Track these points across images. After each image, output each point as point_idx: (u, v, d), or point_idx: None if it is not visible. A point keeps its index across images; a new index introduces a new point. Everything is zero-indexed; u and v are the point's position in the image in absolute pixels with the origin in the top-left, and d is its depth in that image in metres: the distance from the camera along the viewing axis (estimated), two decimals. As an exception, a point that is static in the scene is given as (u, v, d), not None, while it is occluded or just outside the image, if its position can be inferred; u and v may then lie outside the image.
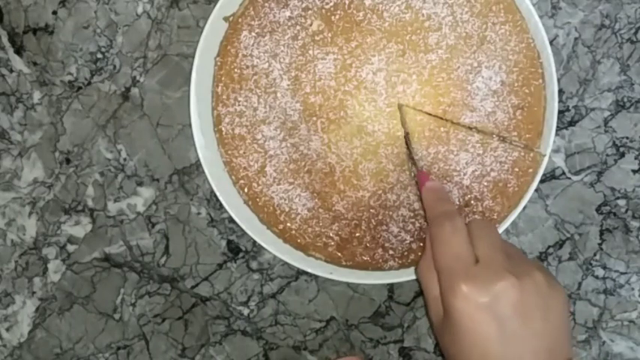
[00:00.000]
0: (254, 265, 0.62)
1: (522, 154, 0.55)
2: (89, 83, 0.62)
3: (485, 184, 0.55)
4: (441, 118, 0.55)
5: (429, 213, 0.51)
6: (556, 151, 0.60)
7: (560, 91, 0.59)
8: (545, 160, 0.55)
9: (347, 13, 0.55)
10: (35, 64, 0.62)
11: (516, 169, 0.55)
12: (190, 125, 0.56)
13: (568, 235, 0.61)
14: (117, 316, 0.63)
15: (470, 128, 0.55)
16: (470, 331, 0.44)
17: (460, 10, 0.55)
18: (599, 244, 0.61)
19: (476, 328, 0.44)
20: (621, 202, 0.61)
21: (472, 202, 0.55)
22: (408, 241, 0.56)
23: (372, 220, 0.56)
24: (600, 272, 0.61)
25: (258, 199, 0.57)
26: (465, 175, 0.55)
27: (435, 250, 0.48)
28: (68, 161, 0.63)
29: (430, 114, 0.55)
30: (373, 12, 0.55)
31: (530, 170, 0.55)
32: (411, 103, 0.56)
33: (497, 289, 0.44)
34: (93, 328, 0.64)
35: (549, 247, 0.61)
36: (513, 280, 0.44)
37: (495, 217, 0.55)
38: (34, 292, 0.64)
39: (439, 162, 0.55)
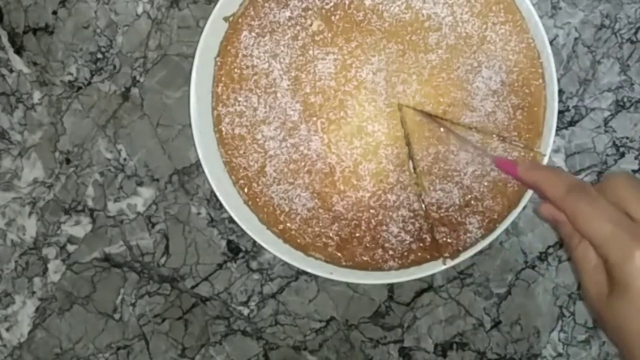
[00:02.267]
0: (254, 265, 0.62)
1: (522, 154, 0.55)
2: (89, 83, 0.62)
3: (486, 184, 0.55)
4: (441, 118, 0.55)
5: (551, 196, 0.47)
6: (556, 151, 0.60)
7: (560, 91, 0.59)
8: (545, 159, 0.55)
9: (347, 13, 0.55)
10: (35, 64, 0.62)
11: None
12: (190, 125, 0.56)
13: (568, 235, 0.61)
14: (117, 316, 0.64)
15: (470, 128, 0.55)
16: None
17: (460, 10, 0.55)
18: (599, 244, 0.61)
19: None
20: (621, 202, 0.61)
21: (472, 202, 0.55)
22: (407, 242, 0.56)
23: (372, 221, 0.56)
24: (600, 272, 0.61)
25: (258, 199, 0.57)
26: (465, 175, 0.55)
27: (585, 226, 0.44)
28: (68, 161, 0.63)
29: (430, 114, 0.55)
30: (373, 12, 0.55)
31: None
32: (411, 103, 0.56)
33: None
34: (93, 328, 0.64)
35: (549, 247, 0.61)
36: None
37: (495, 217, 0.55)
38: (34, 292, 0.64)
39: (439, 162, 0.55)
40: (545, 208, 0.48)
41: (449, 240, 0.56)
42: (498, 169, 0.54)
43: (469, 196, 0.55)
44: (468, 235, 0.55)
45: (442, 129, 0.55)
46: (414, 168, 0.56)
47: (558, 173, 0.48)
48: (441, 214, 0.55)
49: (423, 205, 0.56)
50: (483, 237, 0.56)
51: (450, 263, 0.56)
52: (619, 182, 0.45)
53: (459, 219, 0.55)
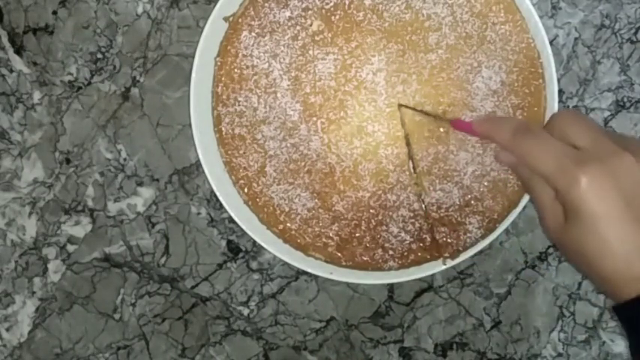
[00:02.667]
0: (254, 265, 0.62)
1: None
2: (89, 83, 0.62)
3: (486, 183, 0.55)
4: (441, 118, 0.55)
5: (500, 141, 0.49)
6: (556, 151, 0.60)
7: (560, 91, 0.59)
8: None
9: (347, 13, 0.55)
10: (35, 64, 0.62)
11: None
12: (190, 125, 0.56)
13: (568, 235, 0.61)
14: (117, 316, 0.64)
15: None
16: (601, 216, 0.43)
17: (460, 10, 0.55)
18: (599, 244, 0.61)
19: (606, 211, 0.43)
20: (621, 202, 0.61)
21: (472, 202, 0.55)
22: (407, 242, 0.56)
23: (372, 221, 0.56)
24: (600, 272, 0.61)
25: (258, 199, 0.57)
26: (465, 174, 0.55)
27: (533, 162, 0.46)
28: (68, 161, 0.63)
29: (430, 114, 0.55)
30: (373, 12, 0.55)
31: None
32: (411, 103, 0.56)
33: (617, 166, 0.43)
34: (93, 328, 0.64)
35: (549, 247, 0.61)
36: (630, 158, 0.43)
37: (495, 216, 0.55)
38: (34, 292, 0.64)
39: (439, 162, 0.55)
40: (503, 154, 0.51)
41: (449, 240, 0.56)
42: (457, 131, 0.54)
43: (469, 196, 0.55)
44: (468, 235, 0.55)
45: (442, 129, 0.55)
46: (414, 168, 0.56)
47: (504, 119, 0.51)
48: (441, 214, 0.55)
49: (423, 205, 0.56)
50: (483, 237, 0.56)
51: (450, 263, 0.56)
52: (563, 118, 0.48)
53: (459, 219, 0.55)
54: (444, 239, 0.56)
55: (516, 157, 0.48)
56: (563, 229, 0.46)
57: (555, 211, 0.47)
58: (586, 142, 0.45)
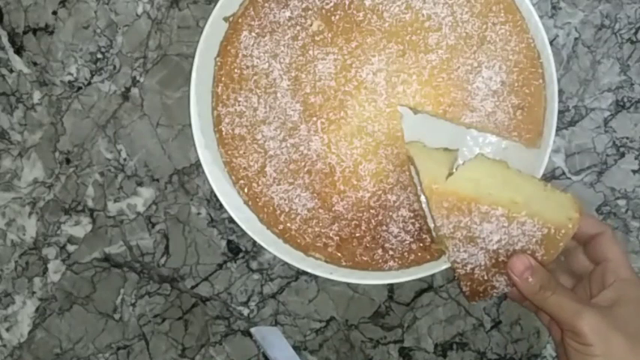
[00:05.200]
0: (254, 265, 0.62)
1: (553, 231, 0.50)
2: (89, 83, 0.62)
3: (511, 250, 0.51)
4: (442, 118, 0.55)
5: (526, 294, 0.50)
6: (556, 151, 0.60)
7: (560, 91, 0.59)
8: (545, 159, 0.54)
9: (347, 13, 0.55)
10: (35, 64, 0.62)
11: (545, 242, 0.50)
12: (190, 125, 0.56)
13: (568, 235, 0.61)
14: (117, 316, 0.64)
15: (492, 202, 0.50)
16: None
17: (460, 10, 0.55)
18: (599, 244, 0.61)
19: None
20: (621, 202, 0.61)
21: (501, 265, 0.51)
22: (407, 242, 0.56)
23: (372, 221, 0.56)
24: (600, 272, 0.61)
25: (258, 200, 0.57)
26: (490, 242, 0.51)
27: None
28: (68, 161, 0.63)
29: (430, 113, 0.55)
30: (373, 12, 0.55)
31: (561, 244, 0.50)
32: (411, 104, 0.56)
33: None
34: (93, 328, 0.64)
35: (549, 247, 0.61)
36: None
37: None
38: (34, 292, 0.64)
39: (461, 229, 0.51)
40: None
41: (476, 292, 0.53)
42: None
43: (495, 260, 0.51)
44: (495, 290, 0.52)
45: (463, 202, 0.50)
46: (435, 232, 0.53)
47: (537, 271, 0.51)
48: (467, 271, 0.52)
49: (448, 261, 0.53)
50: (510, 293, 0.53)
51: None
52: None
53: (486, 277, 0.52)
54: (470, 291, 0.53)
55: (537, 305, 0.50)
56: None
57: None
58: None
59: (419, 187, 0.55)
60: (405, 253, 0.56)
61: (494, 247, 0.51)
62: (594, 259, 0.52)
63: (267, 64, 0.56)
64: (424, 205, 0.55)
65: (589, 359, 0.46)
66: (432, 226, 0.54)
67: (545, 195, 0.50)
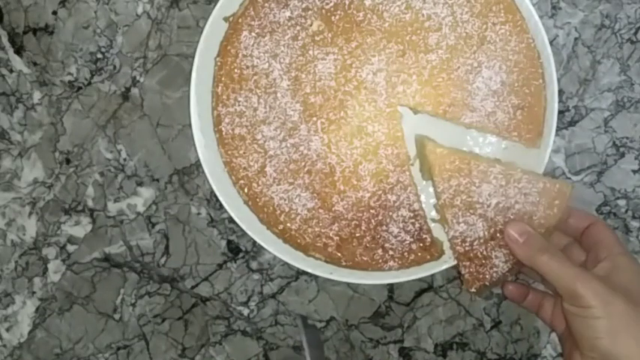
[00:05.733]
0: (254, 265, 0.62)
1: (548, 185, 0.52)
2: (89, 83, 0.62)
3: (510, 216, 0.53)
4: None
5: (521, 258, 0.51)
6: (556, 151, 0.60)
7: (560, 91, 0.59)
8: (545, 159, 0.54)
9: (347, 13, 0.55)
10: (35, 64, 0.62)
11: (542, 201, 0.52)
12: (190, 125, 0.56)
13: (568, 235, 0.61)
14: (117, 316, 0.64)
15: (491, 161, 0.54)
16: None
17: (460, 10, 0.55)
18: (599, 244, 0.61)
19: None
20: (621, 202, 0.61)
21: (497, 234, 0.53)
22: (407, 242, 0.56)
23: (372, 221, 0.56)
24: (600, 272, 0.61)
25: (258, 200, 0.57)
26: (488, 207, 0.53)
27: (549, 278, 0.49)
28: (68, 161, 0.63)
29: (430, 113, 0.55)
30: (373, 12, 0.55)
31: (557, 202, 0.52)
32: (411, 104, 0.56)
33: None
34: (93, 328, 0.64)
35: (549, 247, 0.61)
36: None
37: None
38: (34, 292, 0.64)
39: (461, 194, 0.53)
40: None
41: (475, 274, 0.53)
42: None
43: (494, 229, 0.53)
44: (495, 270, 0.53)
45: (464, 161, 0.53)
46: (437, 200, 0.54)
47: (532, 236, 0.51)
48: (466, 248, 0.53)
49: (448, 240, 0.54)
50: (510, 271, 0.53)
51: (451, 263, 0.56)
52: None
53: (485, 252, 0.53)
54: (470, 273, 0.53)
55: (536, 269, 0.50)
56: None
57: None
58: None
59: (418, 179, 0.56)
60: (405, 253, 0.56)
61: (492, 213, 0.53)
62: (588, 247, 0.52)
63: (267, 64, 0.56)
64: (423, 200, 0.56)
65: (591, 322, 0.45)
66: (431, 204, 0.56)
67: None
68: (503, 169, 0.53)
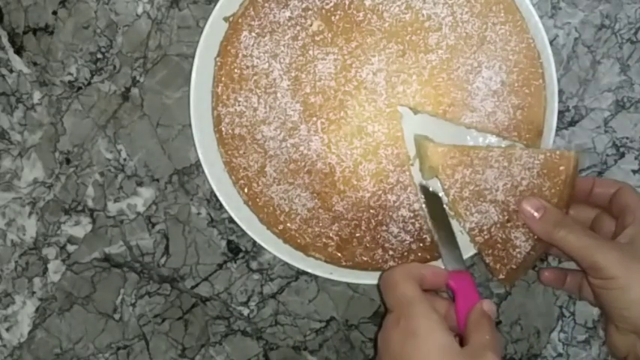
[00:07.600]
0: (254, 265, 0.62)
1: (549, 154, 0.53)
2: (89, 83, 0.62)
3: (519, 194, 0.53)
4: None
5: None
6: (556, 151, 0.60)
7: (560, 91, 0.59)
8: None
9: (347, 13, 0.55)
10: (35, 64, 0.62)
11: (546, 171, 0.53)
12: (190, 125, 0.56)
13: (568, 235, 0.61)
14: (117, 316, 0.64)
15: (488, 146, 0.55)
16: None
17: (460, 10, 0.55)
18: (599, 244, 0.61)
19: None
20: (621, 202, 0.61)
21: (513, 215, 0.53)
22: (407, 242, 0.56)
23: (372, 221, 0.56)
24: (600, 272, 0.61)
25: (258, 200, 0.57)
26: (497, 190, 0.53)
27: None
28: (68, 161, 0.63)
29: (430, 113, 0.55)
30: (373, 12, 0.55)
31: (562, 168, 0.53)
32: (412, 104, 0.56)
33: None
34: (93, 328, 0.64)
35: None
36: None
37: None
38: (34, 292, 0.64)
39: (468, 185, 0.54)
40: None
41: (500, 261, 0.53)
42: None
43: (507, 211, 0.53)
44: (517, 250, 0.53)
45: (463, 153, 0.54)
46: (446, 198, 0.55)
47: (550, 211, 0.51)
48: (485, 237, 0.54)
49: (465, 233, 0.55)
50: (533, 249, 0.53)
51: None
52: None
53: (504, 236, 0.53)
54: (494, 260, 0.54)
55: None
56: None
57: None
58: None
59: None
60: (405, 253, 0.56)
61: (502, 196, 0.53)
62: (617, 214, 0.51)
63: (267, 64, 0.56)
64: (423, 202, 0.56)
65: (614, 293, 0.44)
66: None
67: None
68: (503, 151, 0.53)
